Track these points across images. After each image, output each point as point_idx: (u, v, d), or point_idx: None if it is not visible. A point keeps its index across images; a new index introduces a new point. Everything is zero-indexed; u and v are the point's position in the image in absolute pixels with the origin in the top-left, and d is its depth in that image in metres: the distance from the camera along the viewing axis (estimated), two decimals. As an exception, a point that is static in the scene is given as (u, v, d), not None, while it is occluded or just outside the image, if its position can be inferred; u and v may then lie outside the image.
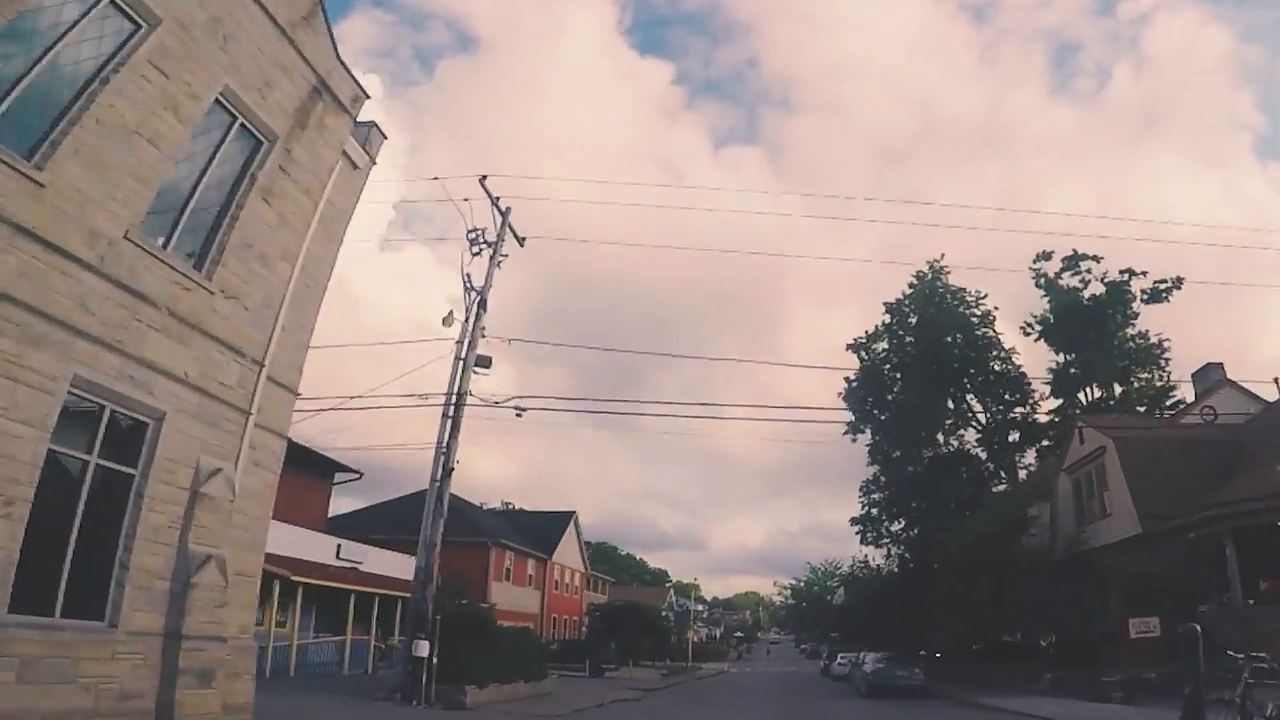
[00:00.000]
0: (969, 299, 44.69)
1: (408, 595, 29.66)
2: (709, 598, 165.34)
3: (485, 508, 52.49)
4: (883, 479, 40.94)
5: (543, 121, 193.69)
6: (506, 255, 24.48)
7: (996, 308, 45.58)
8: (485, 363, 22.21)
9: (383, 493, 57.32)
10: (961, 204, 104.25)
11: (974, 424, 43.72)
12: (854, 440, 42.65)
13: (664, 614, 73.06)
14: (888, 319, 43.60)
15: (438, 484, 19.28)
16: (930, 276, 45.04)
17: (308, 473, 33.97)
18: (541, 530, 48.33)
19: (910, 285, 44.87)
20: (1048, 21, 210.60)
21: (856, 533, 40.67)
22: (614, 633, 52.46)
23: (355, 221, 15.08)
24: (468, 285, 22.94)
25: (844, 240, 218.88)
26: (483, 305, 22.96)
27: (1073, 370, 44.06)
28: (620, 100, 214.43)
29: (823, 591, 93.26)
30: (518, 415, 21.25)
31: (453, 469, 19.60)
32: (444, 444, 19.84)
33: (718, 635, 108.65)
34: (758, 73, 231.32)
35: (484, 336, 22.91)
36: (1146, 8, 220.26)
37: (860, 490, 41.48)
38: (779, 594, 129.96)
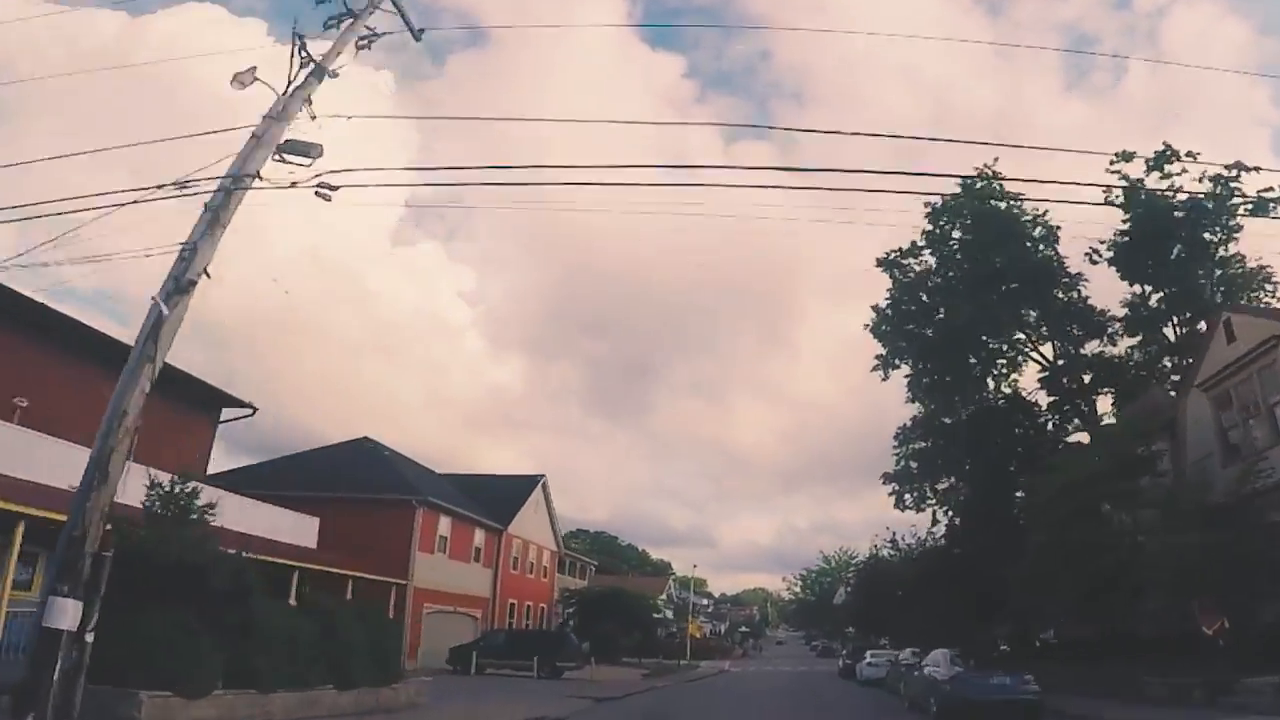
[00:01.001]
0: (1027, 216, 35.22)
1: (279, 561, 21.10)
2: (717, 594, 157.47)
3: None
4: (924, 423, 31.80)
5: (554, 114, 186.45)
6: (380, 34, 15.77)
7: (1059, 226, 36.18)
8: (306, 151, 13.43)
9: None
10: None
11: (1037, 359, 34.47)
12: (885, 378, 33.53)
13: (660, 605, 64.00)
14: (929, 227, 34.34)
15: (161, 304, 10.41)
16: (980, 184, 35.54)
17: (175, 401, 25.24)
18: (497, 496, 39.28)
19: (952, 195, 35.46)
20: (1063, 15, 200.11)
21: (891, 494, 31.45)
22: (590, 624, 43.59)
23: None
24: (299, 46, 14.09)
25: (857, 232, 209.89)
26: (318, 74, 14.12)
27: (1155, 301, 34.49)
28: (631, 94, 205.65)
29: (836, 583, 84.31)
30: (321, 196, 12.50)
31: (195, 281, 10.75)
32: (193, 243, 10.99)
33: (722, 631, 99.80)
34: (770, 65, 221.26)
35: (313, 118, 14.17)
36: (1163, 0, 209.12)
37: (895, 438, 32.29)
38: (788, 589, 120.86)
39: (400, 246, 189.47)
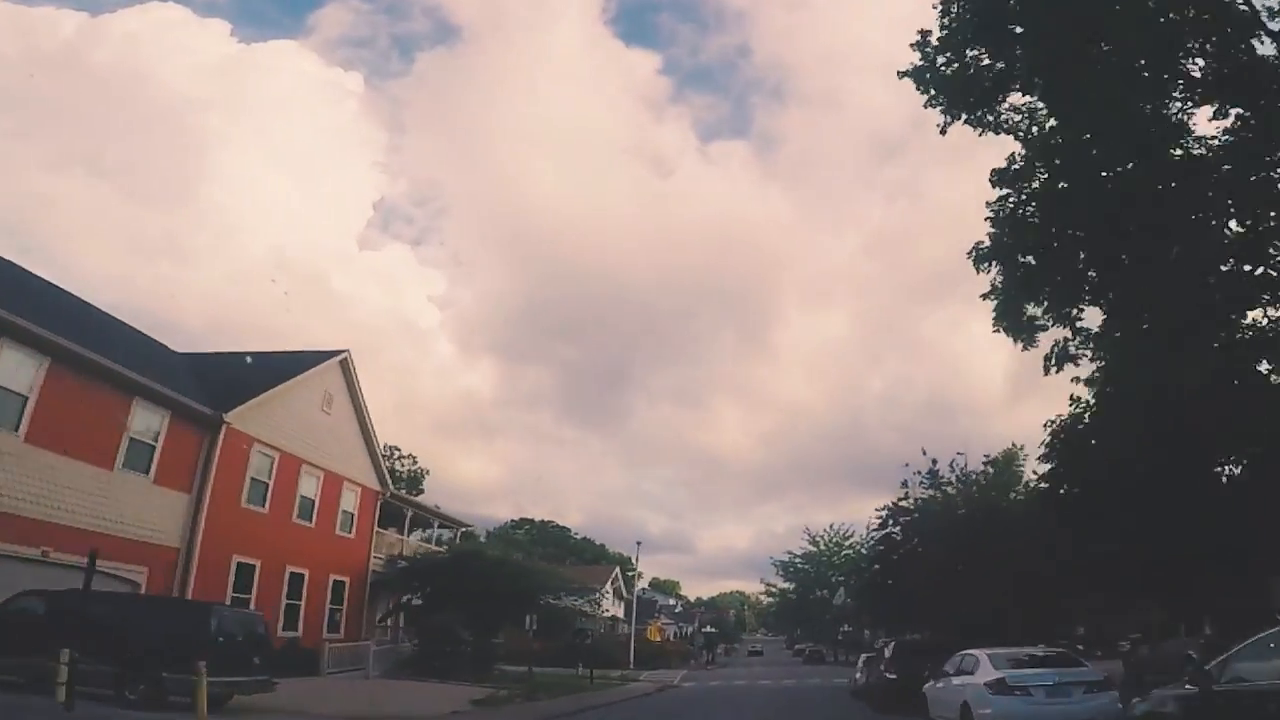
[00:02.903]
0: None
1: None
2: (692, 598, 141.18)
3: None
4: (1056, 160, 14.57)
5: (526, 115, 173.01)
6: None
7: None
8: None
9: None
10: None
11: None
12: (944, 131, 16.51)
13: (583, 596, 46.56)
14: None
15: None
16: None
17: None
18: (241, 375, 21.91)
19: None
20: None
21: (995, 314, 13.95)
22: (432, 611, 26.33)
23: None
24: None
25: (837, 234, 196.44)
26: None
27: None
28: (605, 92, 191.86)
29: (825, 570, 67.35)
30: None
31: None
32: None
33: (688, 633, 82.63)
34: (749, 61, 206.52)
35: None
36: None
37: (995, 182, 14.78)
38: (766, 591, 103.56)
39: (367, 250, 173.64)
